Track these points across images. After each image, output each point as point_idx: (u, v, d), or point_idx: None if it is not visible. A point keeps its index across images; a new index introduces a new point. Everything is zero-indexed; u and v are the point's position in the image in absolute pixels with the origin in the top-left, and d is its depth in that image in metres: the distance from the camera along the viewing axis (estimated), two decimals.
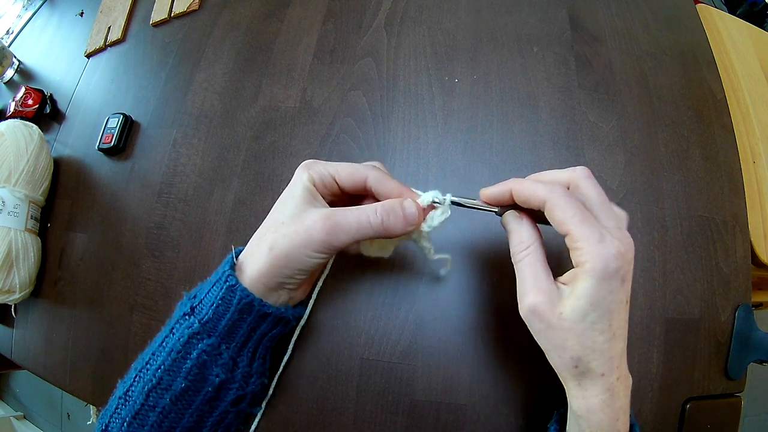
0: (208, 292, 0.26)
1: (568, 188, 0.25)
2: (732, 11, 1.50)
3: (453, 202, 0.26)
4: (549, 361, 0.24)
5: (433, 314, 0.33)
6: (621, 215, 0.24)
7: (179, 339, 0.25)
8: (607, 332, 0.22)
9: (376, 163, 0.28)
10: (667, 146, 0.39)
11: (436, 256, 0.29)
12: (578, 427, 0.23)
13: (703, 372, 0.34)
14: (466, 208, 0.27)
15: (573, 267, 0.22)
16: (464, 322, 0.33)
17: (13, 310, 0.46)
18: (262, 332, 0.27)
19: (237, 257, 0.27)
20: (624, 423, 0.23)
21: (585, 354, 0.22)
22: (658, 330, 0.34)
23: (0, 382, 1.46)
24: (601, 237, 0.21)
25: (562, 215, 0.22)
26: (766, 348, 0.35)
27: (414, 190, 0.27)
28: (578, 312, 0.21)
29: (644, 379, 0.33)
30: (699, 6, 0.48)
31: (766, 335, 0.35)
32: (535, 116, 0.38)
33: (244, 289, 0.25)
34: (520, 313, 0.23)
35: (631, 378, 0.24)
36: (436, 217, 0.27)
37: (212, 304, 0.25)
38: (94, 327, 0.41)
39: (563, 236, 0.22)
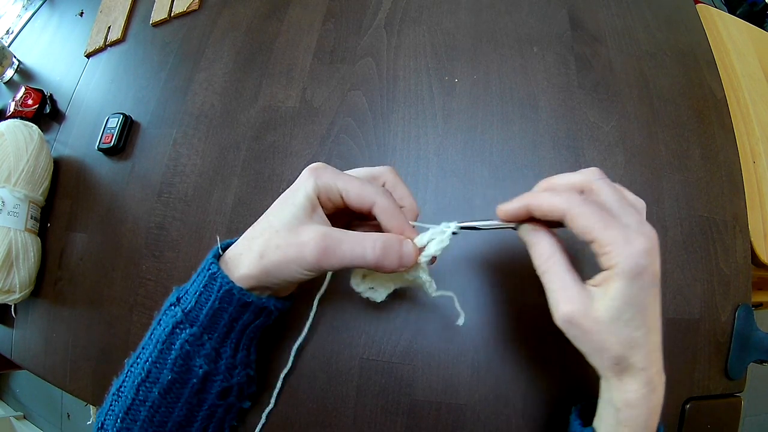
0: (193, 282, 0.26)
1: (582, 192, 0.24)
2: (732, 11, 1.50)
3: (466, 227, 0.26)
4: (589, 361, 0.24)
5: (433, 314, 0.33)
6: (639, 206, 0.24)
7: (164, 329, 0.26)
8: (642, 327, 0.22)
9: (388, 169, 0.27)
10: (667, 146, 0.39)
11: (438, 293, 0.27)
12: (616, 419, 0.23)
13: (703, 372, 0.34)
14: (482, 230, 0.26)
15: (599, 267, 0.22)
16: (464, 322, 0.33)
17: (13, 310, 0.46)
18: (245, 323, 0.27)
19: (224, 249, 0.27)
20: (656, 421, 0.23)
21: (625, 351, 0.22)
22: None
23: (0, 382, 1.46)
24: (627, 238, 0.21)
25: (585, 223, 0.22)
26: (766, 348, 0.35)
27: (416, 225, 0.26)
28: (613, 312, 0.22)
29: None
30: (699, 6, 0.48)
31: (766, 335, 0.35)
32: (535, 116, 0.38)
33: (224, 276, 0.25)
34: (556, 323, 0.23)
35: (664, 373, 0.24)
36: (432, 246, 0.25)
37: (195, 292, 0.26)
38: (94, 327, 0.41)
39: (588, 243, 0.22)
